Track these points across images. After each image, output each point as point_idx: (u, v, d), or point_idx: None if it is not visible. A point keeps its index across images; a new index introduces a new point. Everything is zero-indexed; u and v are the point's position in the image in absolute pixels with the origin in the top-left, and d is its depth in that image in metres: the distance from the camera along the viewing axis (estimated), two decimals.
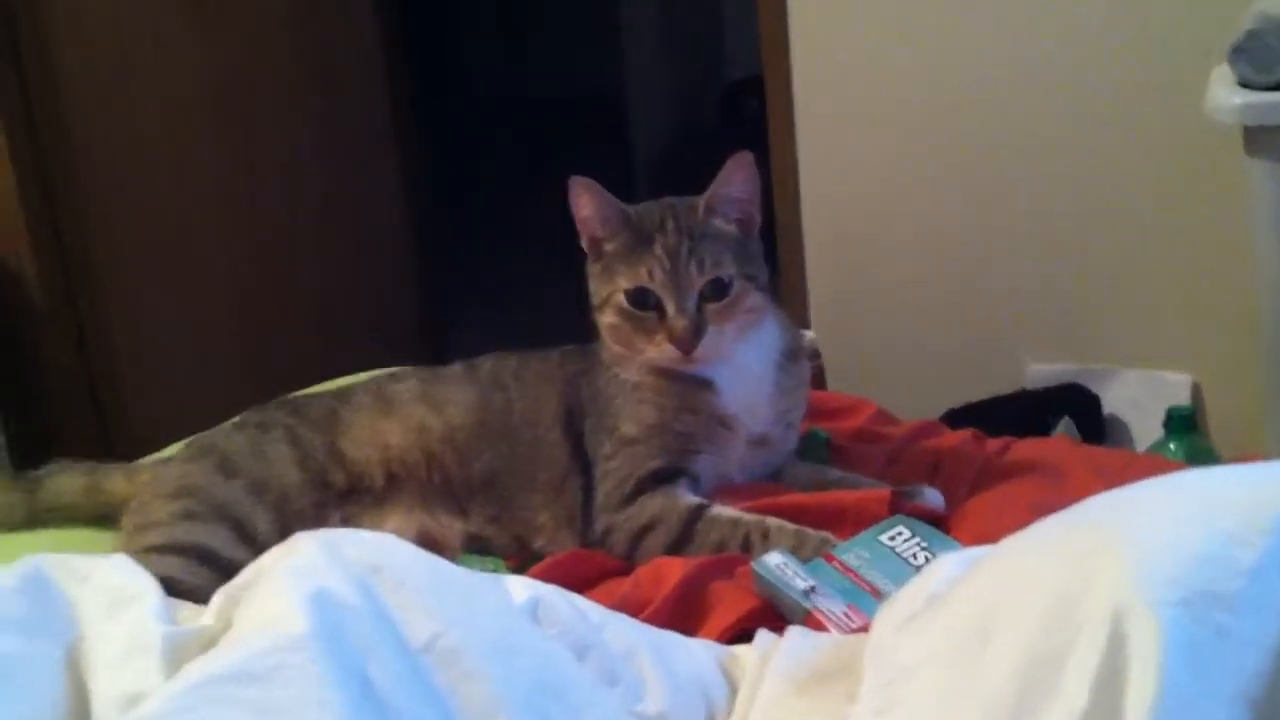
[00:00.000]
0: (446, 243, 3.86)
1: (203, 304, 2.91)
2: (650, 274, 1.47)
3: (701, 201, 1.51)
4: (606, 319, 1.54)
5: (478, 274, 4.05)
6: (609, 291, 1.52)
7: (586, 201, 1.52)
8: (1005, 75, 2.37)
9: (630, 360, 1.54)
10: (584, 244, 1.56)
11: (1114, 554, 0.79)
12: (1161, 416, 2.18)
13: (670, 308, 1.47)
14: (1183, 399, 2.29)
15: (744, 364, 1.54)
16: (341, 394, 1.70)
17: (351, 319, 3.16)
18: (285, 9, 3.04)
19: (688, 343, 1.46)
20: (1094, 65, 2.29)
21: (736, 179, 1.50)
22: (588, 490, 1.55)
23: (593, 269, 1.56)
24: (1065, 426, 2.28)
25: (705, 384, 1.53)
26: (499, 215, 4.51)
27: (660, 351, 1.49)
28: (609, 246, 1.53)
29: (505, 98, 5.37)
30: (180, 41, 2.83)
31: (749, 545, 1.43)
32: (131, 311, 2.78)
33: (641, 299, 1.49)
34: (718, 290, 1.48)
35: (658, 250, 1.48)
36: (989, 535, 1.07)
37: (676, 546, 1.46)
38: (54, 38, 2.58)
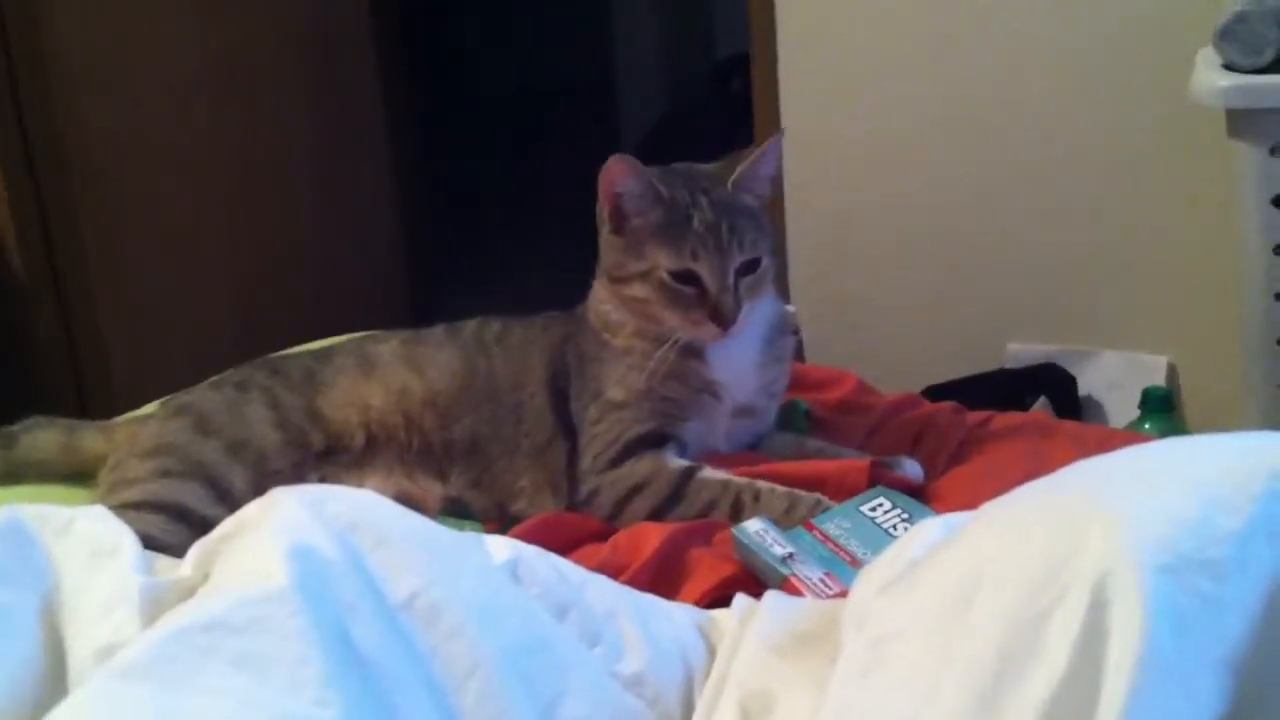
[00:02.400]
0: (441, 226, 3.85)
1: (192, 283, 2.90)
2: (694, 253, 1.47)
3: (733, 178, 1.51)
4: (633, 292, 1.52)
5: (472, 260, 4.03)
6: (645, 267, 1.50)
7: (624, 180, 1.50)
8: (991, 56, 2.37)
9: (635, 328, 1.54)
10: (603, 214, 1.55)
11: (1099, 518, 0.79)
12: (1137, 398, 2.19)
13: (714, 286, 1.47)
14: (1159, 380, 2.31)
15: (733, 336, 1.54)
16: (321, 354, 1.69)
17: (343, 301, 3.16)
18: None
19: (730, 319, 1.47)
20: (1079, 48, 2.29)
21: (770, 157, 1.52)
22: (572, 454, 1.55)
23: (613, 240, 1.55)
24: (1042, 406, 2.29)
25: (695, 353, 1.53)
26: (493, 202, 4.49)
27: (698, 328, 1.49)
28: (637, 221, 1.52)
29: (498, 81, 5.35)
30: (176, 19, 2.81)
31: (739, 507, 1.43)
32: (120, 287, 2.77)
33: (684, 278, 1.48)
34: (750, 266, 1.49)
35: (698, 227, 1.47)
36: (970, 507, 1.07)
37: (665, 508, 1.46)
38: (42, 11, 2.56)
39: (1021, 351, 2.46)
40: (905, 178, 2.51)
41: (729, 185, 1.50)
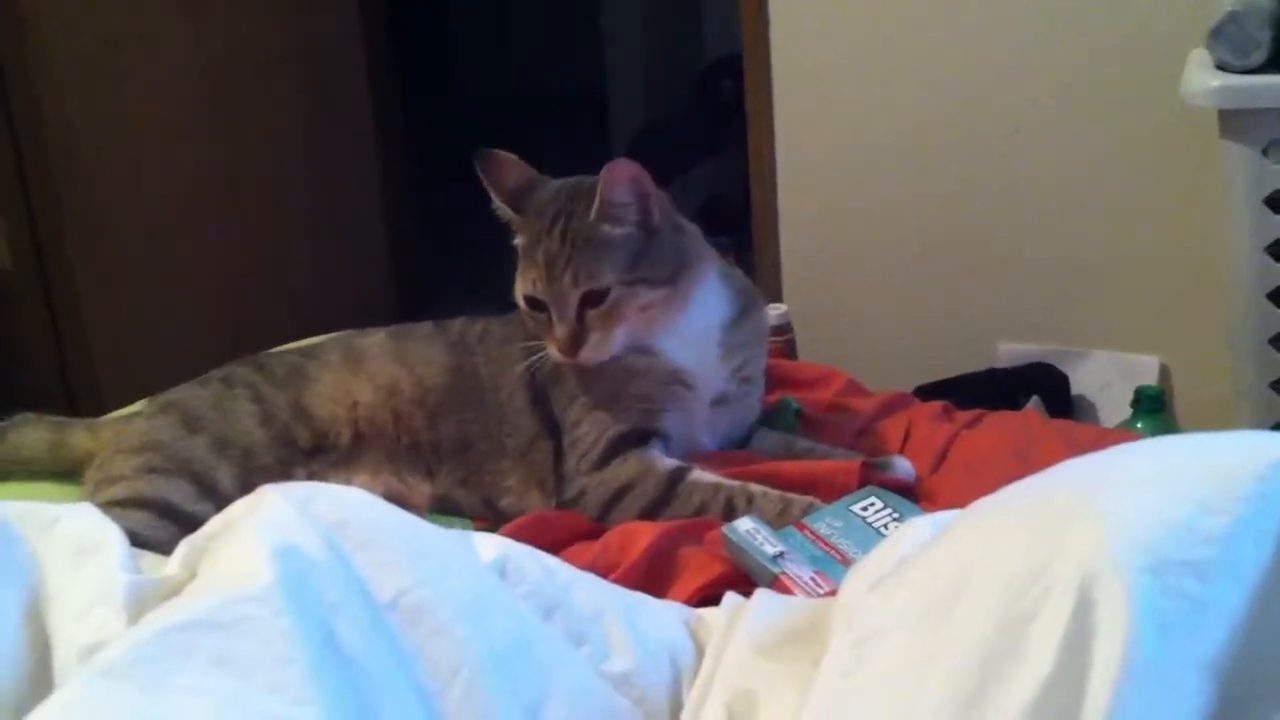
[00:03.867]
0: (431, 235, 3.84)
1: (181, 288, 2.91)
2: (534, 283, 1.49)
3: (592, 210, 1.49)
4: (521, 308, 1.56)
5: (461, 267, 4.02)
6: (516, 284, 1.54)
7: (488, 180, 1.54)
8: (983, 58, 2.37)
9: None
10: None
11: (1085, 518, 0.79)
12: (1129, 398, 2.18)
13: (554, 315, 1.49)
14: (1151, 380, 2.30)
15: (682, 331, 1.55)
16: (308, 350, 1.70)
17: (331, 308, 3.15)
18: (272, 3, 3.03)
19: (569, 350, 1.49)
20: (1071, 48, 2.29)
21: (616, 186, 1.48)
22: (558, 453, 1.55)
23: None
24: (1034, 405, 2.29)
25: (648, 348, 1.54)
26: (485, 204, 4.47)
27: (553, 350, 1.51)
28: (518, 237, 1.55)
29: (488, 85, 5.36)
30: (166, 24, 2.81)
31: (732, 509, 1.43)
32: (107, 287, 2.78)
33: (535, 304, 1.51)
34: (597, 299, 1.48)
35: (541, 259, 1.49)
36: (961, 506, 1.07)
37: (654, 509, 1.46)
38: (31, 14, 2.57)
39: (1013, 351, 2.46)
40: (898, 178, 2.51)
41: (591, 214, 1.49)
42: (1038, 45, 2.32)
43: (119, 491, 1.47)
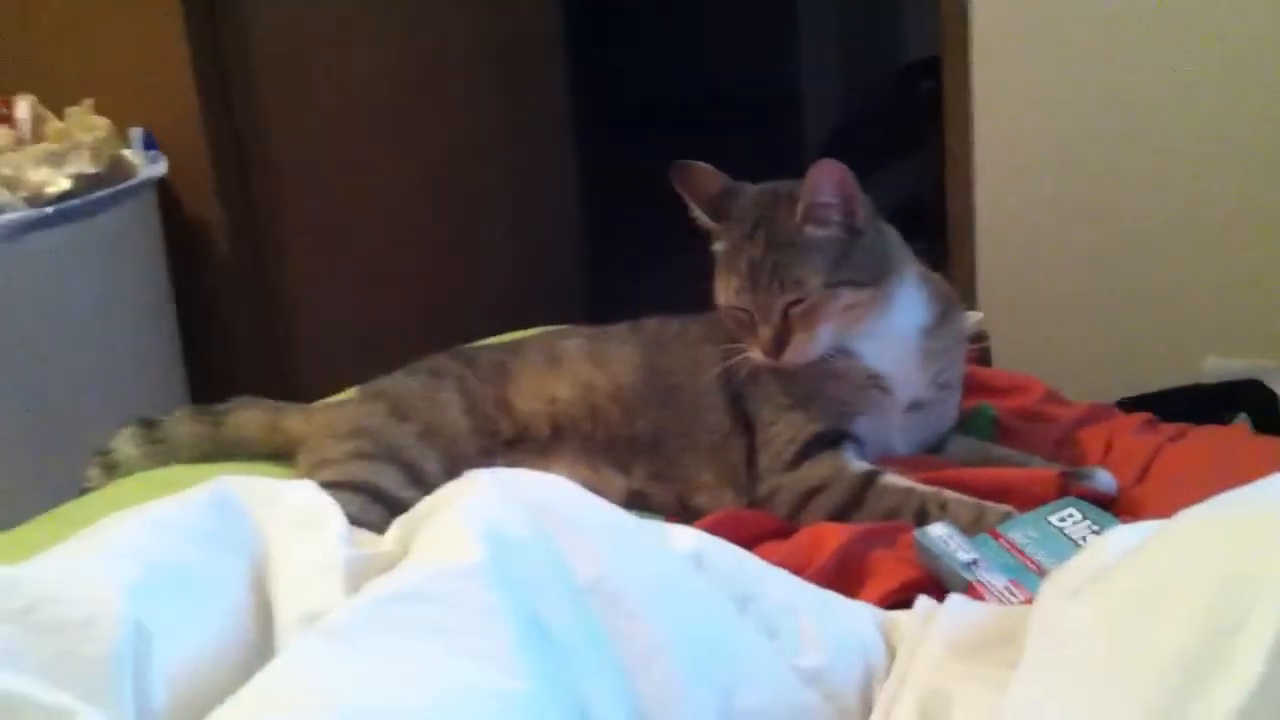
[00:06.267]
0: (618, 237, 3.90)
1: (385, 283, 3.03)
2: (738, 292, 1.51)
3: (797, 211, 1.50)
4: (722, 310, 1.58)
5: (648, 269, 4.08)
6: (717, 290, 1.56)
7: (694, 205, 1.57)
8: (1190, 66, 2.31)
9: None
10: None
11: None
12: None
13: (757, 318, 1.50)
14: None
15: (882, 334, 1.55)
16: (511, 347, 1.74)
17: (521, 302, 3.23)
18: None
19: (773, 352, 1.50)
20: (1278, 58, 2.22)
21: (821, 187, 1.49)
22: (750, 451, 1.56)
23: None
24: (1241, 423, 2.21)
25: (844, 352, 1.54)
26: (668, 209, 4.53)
27: (755, 351, 1.52)
28: (715, 243, 1.57)
29: (679, 91, 5.41)
30: (366, 28, 2.95)
31: (924, 514, 1.42)
32: (313, 279, 2.93)
33: (735, 307, 1.53)
34: (800, 300, 1.49)
35: (743, 266, 1.50)
36: (1163, 519, 1.05)
37: (844, 511, 1.46)
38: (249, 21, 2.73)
39: (1220, 366, 2.38)
40: (1099, 185, 2.46)
41: (795, 216, 1.50)
42: (1249, 54, 2.25)
43: (330, 475, 1.53)
